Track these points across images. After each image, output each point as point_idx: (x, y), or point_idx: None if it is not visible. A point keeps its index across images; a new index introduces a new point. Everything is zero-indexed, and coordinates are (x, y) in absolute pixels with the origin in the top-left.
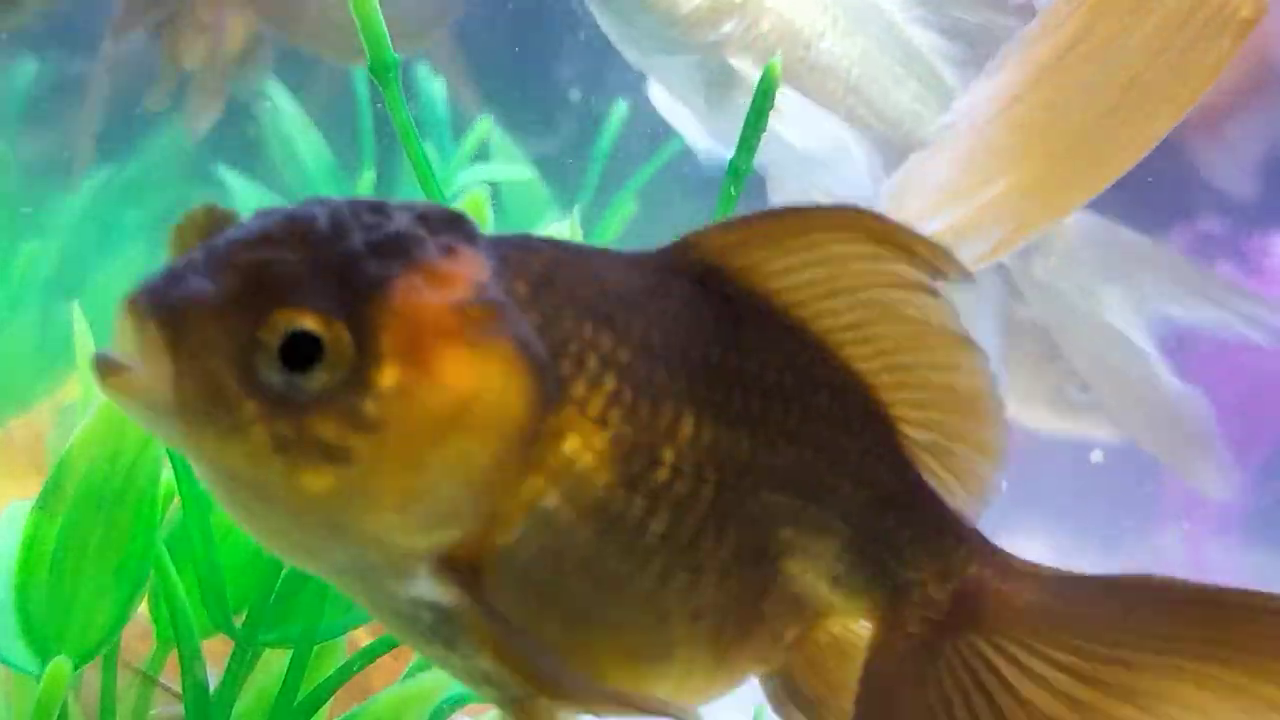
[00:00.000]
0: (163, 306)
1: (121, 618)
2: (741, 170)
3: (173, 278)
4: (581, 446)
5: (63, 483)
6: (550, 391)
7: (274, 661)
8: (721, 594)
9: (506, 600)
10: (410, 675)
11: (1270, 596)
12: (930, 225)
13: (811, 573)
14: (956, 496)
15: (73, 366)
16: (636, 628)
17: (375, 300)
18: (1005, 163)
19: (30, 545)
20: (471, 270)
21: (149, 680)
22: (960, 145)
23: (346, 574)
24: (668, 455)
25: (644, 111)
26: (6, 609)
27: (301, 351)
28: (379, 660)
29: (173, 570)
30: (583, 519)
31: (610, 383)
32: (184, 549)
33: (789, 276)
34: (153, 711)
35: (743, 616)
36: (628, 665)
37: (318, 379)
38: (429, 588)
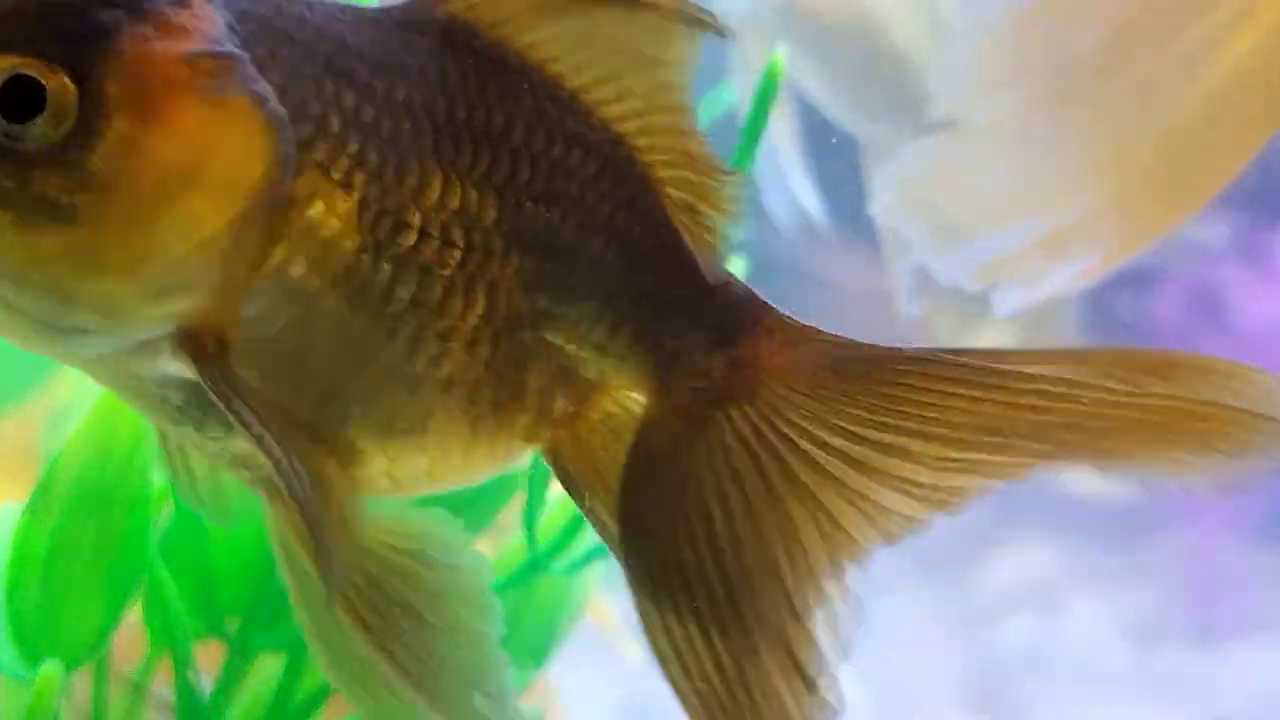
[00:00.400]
0: None
1: (113, 621)
2: (742, 166)
3: None
4: (325, 212)
5: (54, 485)
6: (289, 153)
7: (268, 666)
8: (474, 363)
9: (255, 375)
10: None
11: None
12: (1007, 233)
13: (573, 341)
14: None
15: (66, 367)
16: (388, 398)
17: (101, 48)
18: (1092, 175)
19: (21, 548)
20: (205, 23)
21: (140, 691)
22: (1017, 148)
23: (93, 360)
24: (414, 219)
25: None
26: None
27: (22, 101)
28: None
29: (165, 574)
30: (329, 286)
31: (354, 144)
32: (177, 552)
33: (541, 31)
34: (144, 717)
35: (499, 387)
36: (381, 438)
37: (39, 130)
38: (172, 364)
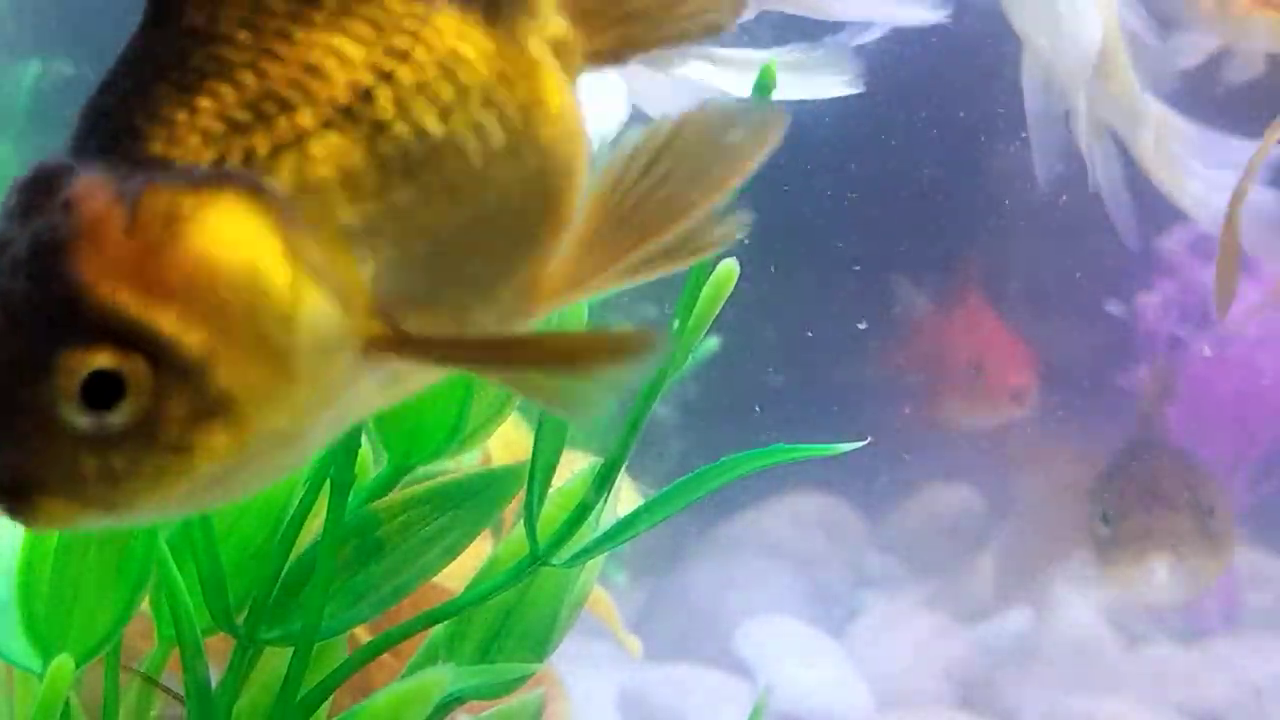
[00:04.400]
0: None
1: (124, 616)
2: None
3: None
4: (318, 172)
5: None
6: (259, 187)
7: (275, 659)
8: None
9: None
10: (410, 673)
11: None
12: None
13: None
14: None
15: None
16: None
17: (70, 288)
18: None
19: (33, 543)
20: (97, 189)
21: (151, 681)
22: None
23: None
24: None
25: (641, 114)
26: (9, 607)
27: (103, 386)
28: (379, 658)
29: (174, 568)
30: (397, 198)
31: (309, 118)
32: (186, 547)
33: None
34: (154, 709)
35: None
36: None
37: (137, 403)
38: (378, 372)
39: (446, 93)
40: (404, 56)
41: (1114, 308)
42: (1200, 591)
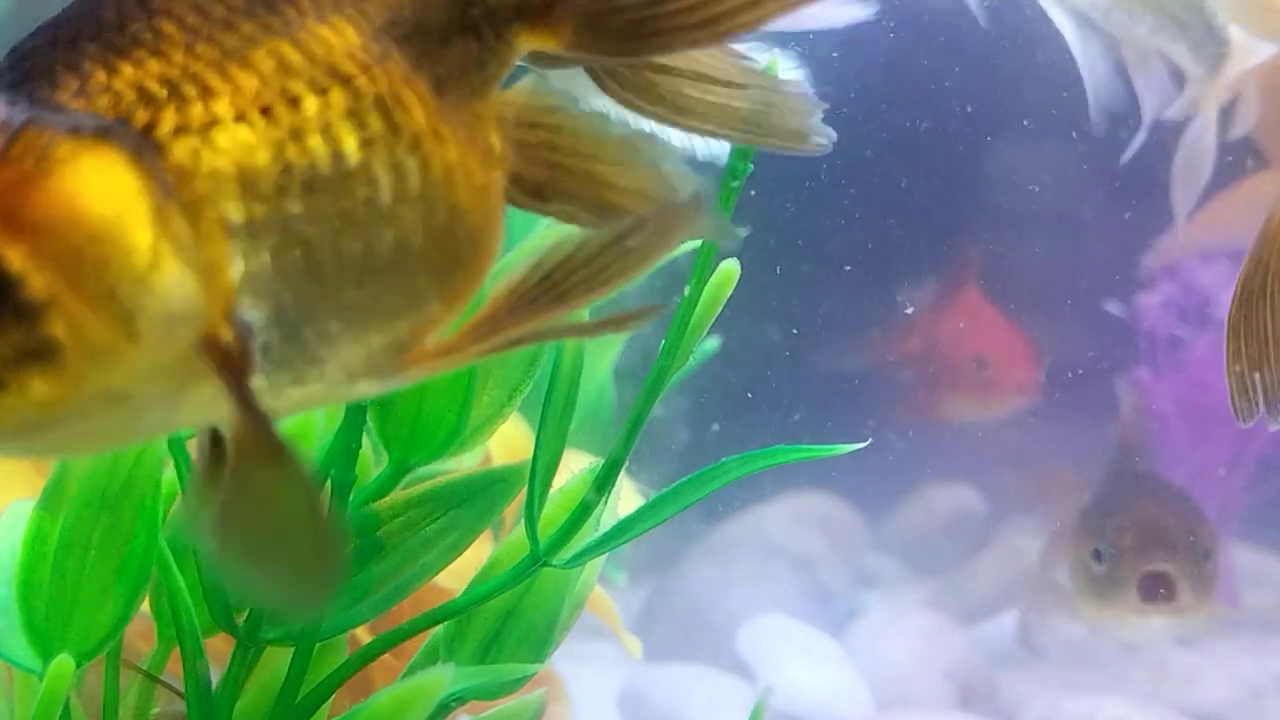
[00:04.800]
0: None
1: (124, 616)
2: (739, 171)
3: None
4: (215, 159)
5: (65, 481)
6: (144, 150)
7: (276, 659)
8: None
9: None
10: (410, 673)
11: None
12: None
13: None
14: None
15: None
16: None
17: None
18: None
19: (33, 544)
20: None
21: (151, 678)
22: None
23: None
24: (279, 90)
25: None
26: (10, 607)
27: None
28: (379, 658)
29: (175, 568)
30: (285, 204)
31: (185, 83)
32: (186, 547)
33: None
34: (155, 709)
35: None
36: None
37: None
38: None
39: (376, 125)
40: (346, 81)
41: (1114, 308)
42: (1185, 635)
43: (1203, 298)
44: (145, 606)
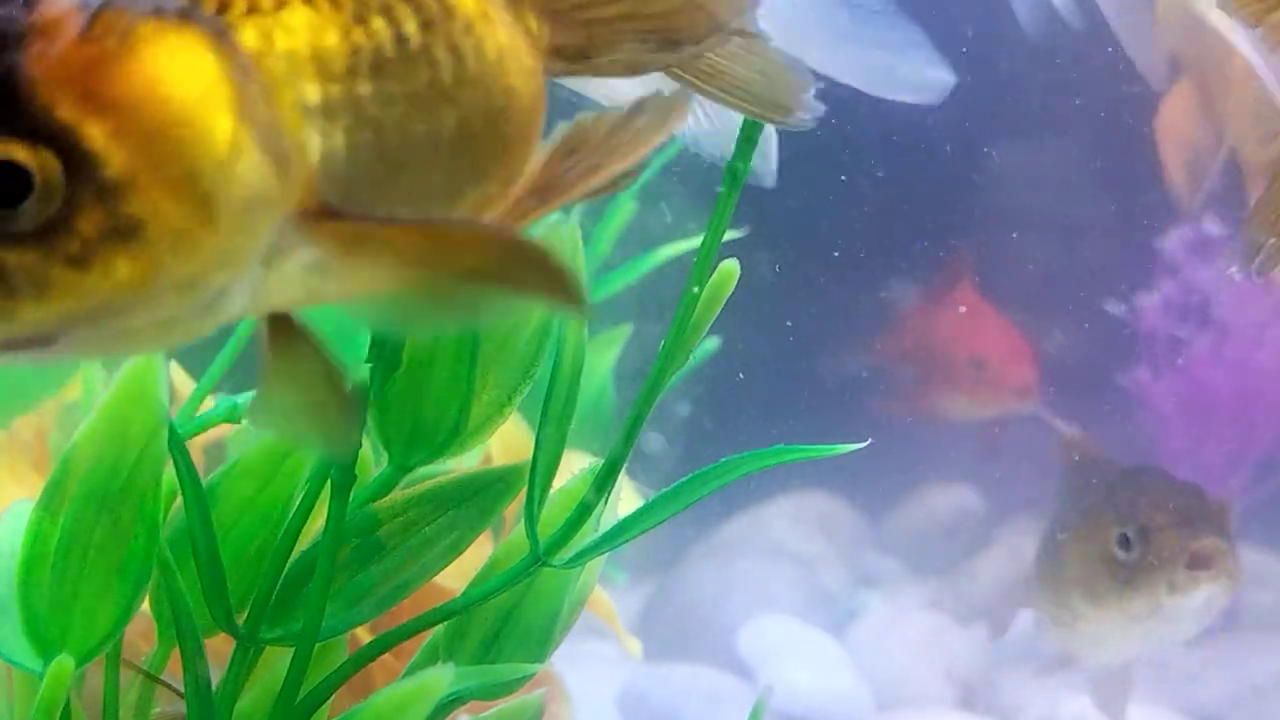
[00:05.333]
0: None
1: (124, 616)
2: (740, 172)
3: None
4: (287, 39)
5: (65, 481)
6: (223, 33)
7: (276, 659)
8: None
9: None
10: (410, 673)
11: None
12: None
13: None
14: None
15: (77, 366)
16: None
17: (23, 85)
18: None
19: (33, 544)
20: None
21: (151, 678)
22: None
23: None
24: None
25: None
26: (10, 607)
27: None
28: (379, 658)
29: (175, 568)
30: (354, 88)
31: None
32: (186, 547)
33: None
34: (155, 710)
35: None
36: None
37: (39, 203)
38: (304, 256)
39: (433, 7)
40: None
41: (1114, 308)
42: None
43: (1203, 298)
44: (145, 606)
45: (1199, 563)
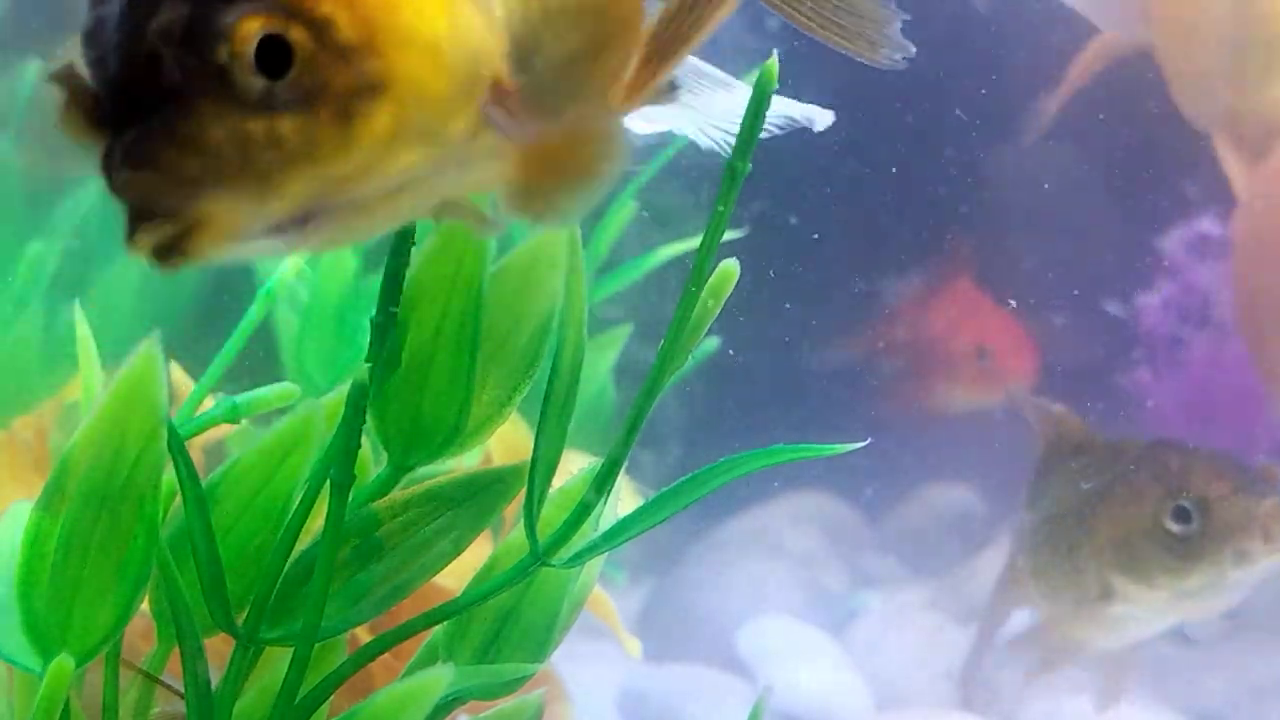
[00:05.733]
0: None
1: (124, 616)
2: (739, 171)
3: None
4: None
5: (65, 481)
6: None
7: (275, 659)
8: None
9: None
10: (410, 673)
11: None
12: None
13: None
14: None
15: (77, 366)
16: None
17: None
18: None
19: (33, 544)
20: None
21: (151, 678)
22: None
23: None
24: None
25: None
26: (9, 607)
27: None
28: (379, 658)
29: (174, 568)
30: None
31: None
32: (186, 547)
33: None
34: (154, 710)
35: None
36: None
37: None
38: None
39: None
40: None
41: (1114, 308)
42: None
43: (1203, 298)
44: (145, 606)
45: (1267, 532)
